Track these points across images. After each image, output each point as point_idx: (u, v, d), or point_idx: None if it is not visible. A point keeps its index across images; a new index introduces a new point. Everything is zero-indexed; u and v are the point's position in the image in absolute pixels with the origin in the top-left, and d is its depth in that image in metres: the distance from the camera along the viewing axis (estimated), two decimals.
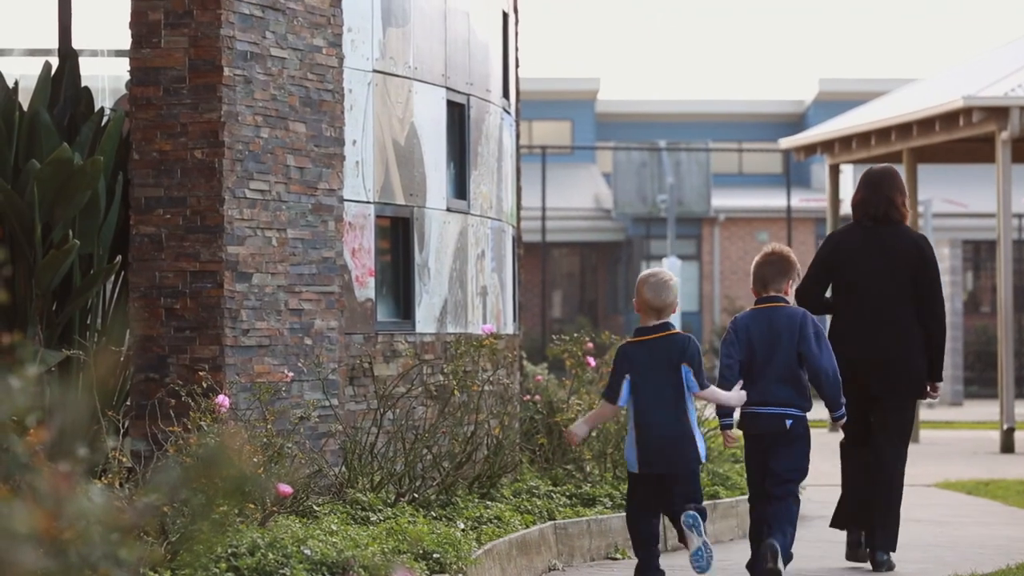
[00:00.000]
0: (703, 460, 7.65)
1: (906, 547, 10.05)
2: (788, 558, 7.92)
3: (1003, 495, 12.90)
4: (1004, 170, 17.90)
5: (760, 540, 7.94)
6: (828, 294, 8.91)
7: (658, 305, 7.64)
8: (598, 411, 7.96)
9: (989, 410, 23.96)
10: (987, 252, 35.19)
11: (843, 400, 8.05)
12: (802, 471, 8.00)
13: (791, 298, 8.04)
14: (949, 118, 18.40)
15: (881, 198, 8.66)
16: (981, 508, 12.25)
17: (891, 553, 8.62)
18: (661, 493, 7.55)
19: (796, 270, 8.08)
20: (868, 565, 8.77)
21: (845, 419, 8.17)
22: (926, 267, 8.64)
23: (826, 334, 8.11)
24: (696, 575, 7.57)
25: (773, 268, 8.00)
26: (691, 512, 7.46)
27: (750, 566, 8.07)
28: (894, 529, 8.60)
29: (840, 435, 9.08)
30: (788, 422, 7.86)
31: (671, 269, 26.44)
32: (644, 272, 7.80)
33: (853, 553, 8.88)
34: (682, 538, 7.59)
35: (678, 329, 7.81)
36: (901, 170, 21.30)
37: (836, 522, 8.96)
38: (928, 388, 8.73)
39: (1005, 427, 17.79)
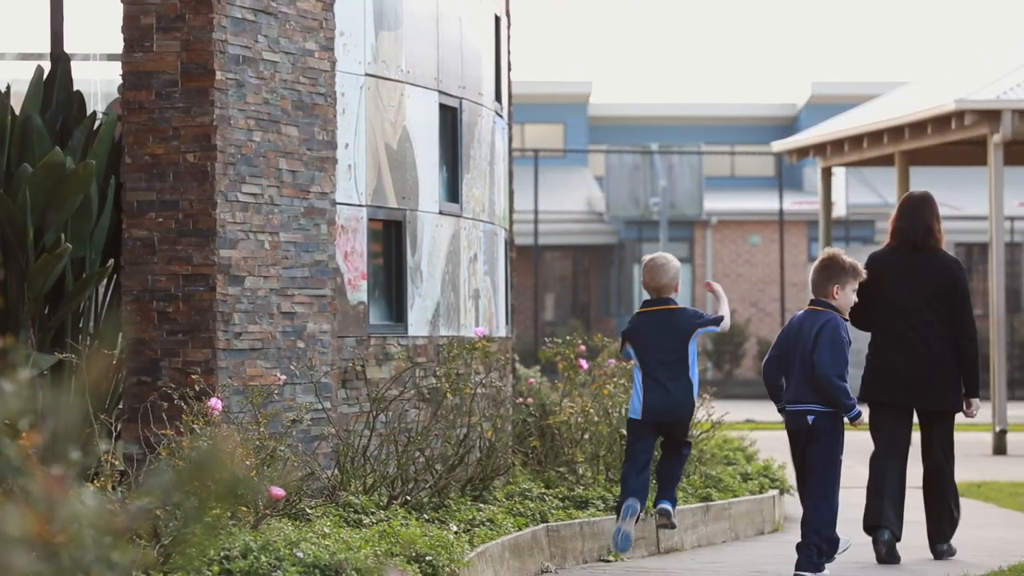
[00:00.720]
0: (695, 404, 8.73)
1: (899, 548, 10.06)
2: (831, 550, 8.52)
3: (996, 497, 12.91)
4: (996, 173, 17.93)
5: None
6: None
7: (654, 285, 8.63)
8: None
9: (982, 412, 23.97)
10: (979, 255, 35.23)
11: (852, 402, 8.36)
12: (830, 465, 8.38)
13: (838, 301, 8.48)
14: (941, 121, 18.43)
15: (920, 226, 9.28)
16: (974, 510, 12.26)
17: (949, 542, 9.43)
18: (659, 434, 8.70)
19: (846, 274, 8.50)
20: (886, 562, 9.23)
21: (860, 417, 8.46)
22: (959, 291, 9.24)
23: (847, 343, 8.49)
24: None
25: (819, 274, 8.52)
26: (664, 504, 8.65)
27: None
28: (950, 521, 9.37)
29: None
30: (810, 418, 8.35)
31: None
32: (646, 256, 8.79)
33: (889, 553, 9.23)
34: (664, 481, 8.71)
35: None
36: (893, 173, 21.35)
37: (868, 521, 9.32)
38: (965, 405, 9.33)
39: (997, 429, 17.80)
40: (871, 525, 9.23)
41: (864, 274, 8.59)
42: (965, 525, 11.27)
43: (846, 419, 8.37)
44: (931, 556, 9.53)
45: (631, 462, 8.56)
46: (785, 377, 8.46)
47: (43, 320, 8.69)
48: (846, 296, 8.46)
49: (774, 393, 8.53)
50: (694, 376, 8.57)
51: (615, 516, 8.63)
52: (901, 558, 9.21)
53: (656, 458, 8.88)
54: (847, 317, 8.64)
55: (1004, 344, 18.02)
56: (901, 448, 9.27)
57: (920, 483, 9.56)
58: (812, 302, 8.53)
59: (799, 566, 8.45)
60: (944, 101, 18.13)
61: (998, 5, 78.09)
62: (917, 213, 9.31)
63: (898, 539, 9.23)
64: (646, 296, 8.74)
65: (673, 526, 8.71)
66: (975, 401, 9.29)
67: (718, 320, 8.57)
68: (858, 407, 8.43)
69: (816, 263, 8.64)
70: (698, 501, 10.27)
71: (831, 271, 8.47)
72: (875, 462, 9.31)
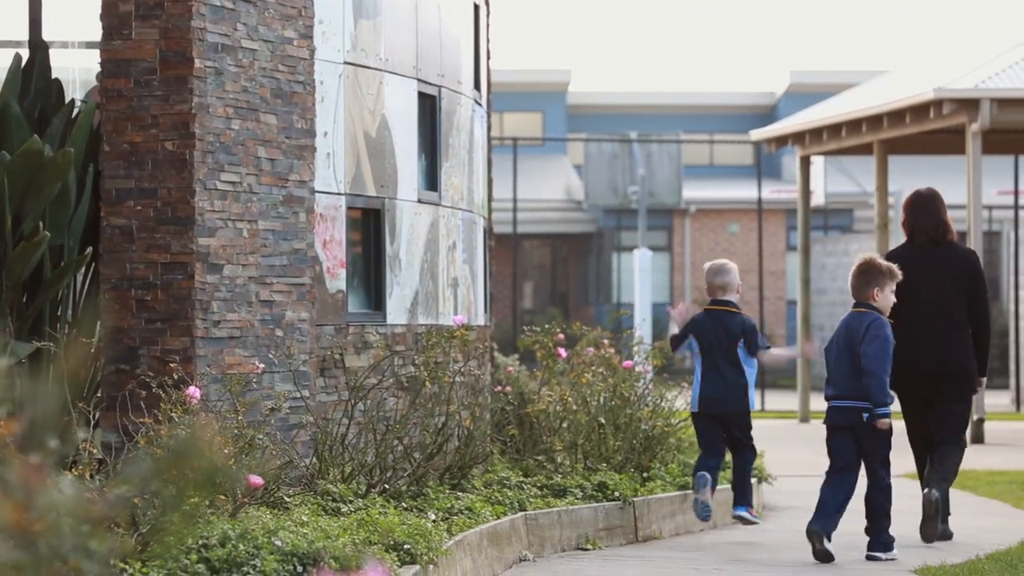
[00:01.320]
0: (752, 407, 9.68)
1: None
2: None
3: (973, 486, 12.95)
4: (974, 162, 17.97)
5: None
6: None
7: (716, 284, 9.84)
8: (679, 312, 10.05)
9: None
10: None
11: (887, 399, 8.83)
12: (887, 453, 8.96)
13: (879, 303, 8.97)
14: (920, 110, 18.46)
15: (937, 221, 9.78)
16: (951, 499, 12.30)
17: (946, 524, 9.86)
18: (718, 427, 9.69)
19: (884, 277, 9.00)
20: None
21: (888, 418, 8.86)
22: (978, 280, 9.77)
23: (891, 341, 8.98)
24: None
25: (858, 279, 9.02)
26: (742, 508, 9.76)
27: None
28: (945, 498, 9.81)
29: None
30: (865, 416, 8.88)
31: (641, 260, 26.47)
32: (707, 264, 9.95)
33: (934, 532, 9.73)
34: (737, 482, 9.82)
35: (733, 310, 9.70)
36: (871, 161, 21.39)
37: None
38: (977, 381, 9.88)
39: (975, 418, 17.86)
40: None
41: (900, 275, 8.99)
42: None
43: (878, 416, 8.79)
44: (896, 547, 9.58)
45: (704, 454, 9.71)
46: (829, 375, 8.93)
47: (21, 308, 8.67)
48: (886, 297, 8.90)
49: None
50: (749, 378, 9.65)
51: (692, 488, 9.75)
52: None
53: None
54: (889, 318, 9.09)
55: None
56: (926, 437, 9.85)
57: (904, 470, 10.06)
58: (855, 305, 8.98)
59: (873, 548, 8.97)
60: (923, 90, 18.16)
61: None
62: (930, 209, 9.77)
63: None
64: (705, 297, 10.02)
65: (756, 521, 9.85)
66: (983, 380, 9.88)
67: (762, 349, 9.68)
68: (889, 409, 8.81)
69: (854, 268, 9.05)
70: (676, 489, 10.29)
71: (869, 275, 8.91)
72: (917, 454, 9.96)
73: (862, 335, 8.77)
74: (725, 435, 9.70)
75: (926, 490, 9.52)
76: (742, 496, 9.79)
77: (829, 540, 8.85)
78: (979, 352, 9.75)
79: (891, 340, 8.83)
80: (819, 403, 25.03)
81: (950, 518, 10.31)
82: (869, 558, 9.02)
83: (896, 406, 9.25)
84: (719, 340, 9.66)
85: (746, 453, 9.71)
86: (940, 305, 9.69)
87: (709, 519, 9.71)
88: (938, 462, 9.61)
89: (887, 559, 8.98)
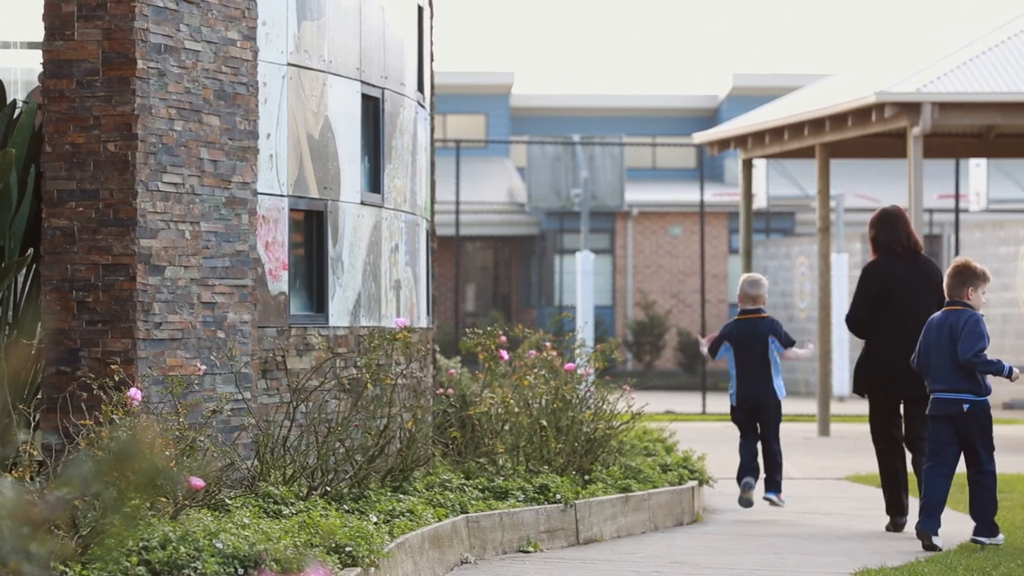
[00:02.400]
0: (781, 397, 11.35)
1: (816, 540, 10.17)
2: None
3: (913, 488, 13.04)
4: (915, 165, 18.11)
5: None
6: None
7: (752, 294, 11.38)
8: (707, 341, 11.54)
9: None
10: None
11: (1000, 365, 9.41)
12: (991, 443, 9.50)
13: (972, 301, 9.61)
14: (861, 113, 18.59)
15: (906, 235, 10.56)
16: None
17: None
18: (753, 419, 11.36)
19: (978, 279, 9.61)
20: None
21: (1013, 372, 9.48)
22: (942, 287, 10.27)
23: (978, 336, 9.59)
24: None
25: (954, 279, 9.63)
26: (771, 493, 11.34)
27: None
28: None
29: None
30: (966, 406, 9.45)
31: (584, 263, 26.53)
32: (744, 275, 11.50)
33: (900, 525, 10.54)
34: (767, 469, 11.41)
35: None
36: (813, 165, 21.53)
37: (890, 509, 10.65)
38: None
39: None
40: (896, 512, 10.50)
41: (991, 278, 9.69)
42: (883, 517, 11.40)
43: (1006, 378, 9.44)
44: (836, 549, 9.64)
45: (744, 442, 11.36)
46: (927, 370, 9.54)
47: None
48: (978, 297, 9.60)
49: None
50: (776, 376, 11.20)
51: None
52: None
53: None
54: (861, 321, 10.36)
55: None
56: (899, 439, 10.57)
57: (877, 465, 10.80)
58: (949, 303, 9.62)
59: (978, 532, 9.41)
60: (865, 93, 18.29)
61: None
62: (898, 224, 10.56)
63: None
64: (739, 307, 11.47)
65: (780, 504, 11.29)
66: None
67: (789, 343, 11.20)
68: (1008, 365, 9.45)
69: (950, 270, 9.69)
70: (617, 492, 10.34)
71: (964, 276, 9.62)
72: (880, 451, 10.62)
73: (960, 329, 9.41)
74: (758, 425, 11.34)
75: (892, 521, 10.41)
76: (772, 483, 11.33)
77: (937, 536, 9.48)
78: None
79: (987, 334, 9.46)
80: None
81: (886, 521, 10.53)
82: (974, 542, 9.39)
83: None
84: (753, 343, 11.20)
85: (775, 445, 11.36)
86: (917, 311, 10.30)
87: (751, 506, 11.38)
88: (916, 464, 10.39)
89: (991, 543, 9.36)
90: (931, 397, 9.54)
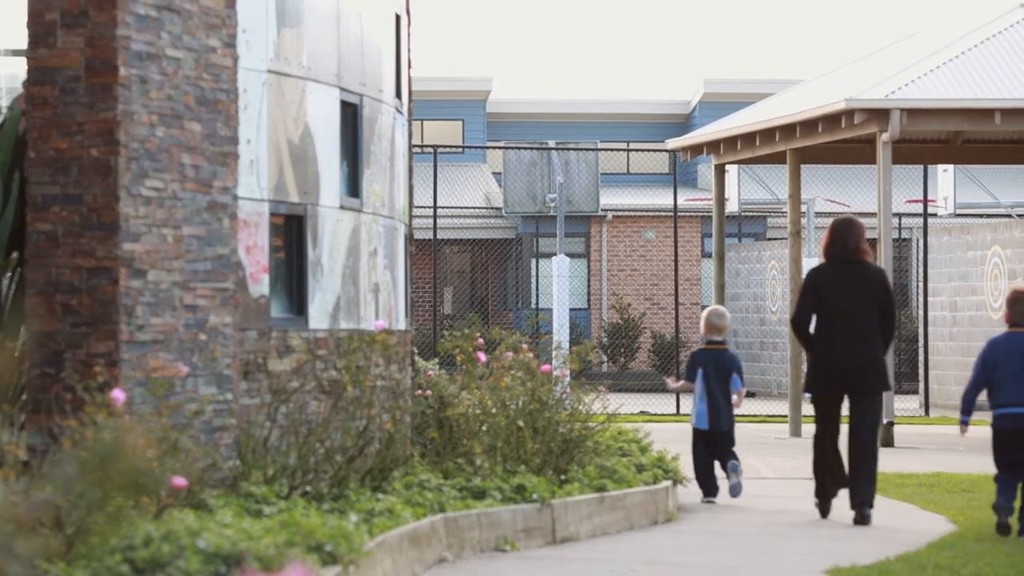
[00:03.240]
0: (733, 424, 12.29)
1: (788, 539, 10.32)
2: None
3: (882, 488, 13.18)
4: (884, 171, 18.29)
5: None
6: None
7: (719, 325, 12.41)
8: (680, 386, 12.75)
9: None
10: None
11: None
12: None
13: None
14: (832, 119, 18.75)
15: (851, 243, 11.15)
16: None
17: (871, 508, 11.01)
18: (715, 443, 12.22)
19: None
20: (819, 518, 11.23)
21: None
22: (887, 294, 11.15)
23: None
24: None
25: (1018, 305, 10.43)
26: (733, 461, 12.16)
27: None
28: (873, 489, 11.03)
29: None
30: None
31: (560, 267, 26.66)
32: (708, 309, 12.54)
33: (825, 509, 11.25)
34: (727, 474, 12.18)
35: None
36: (784, 170, 21.70)
37: (819, 494, 11.28)
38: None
39: (885, 421, 18.16)
40: (822, 493, 11.18)
41: None
42: (852, 515, 11.55)
43: None
44: (807, 548, 9.78)
45: (699, 465, 12.26)
46: (995, 387, 10.27)
47: None
48: None
49: (970, 406, 10.32)
50: (732, 401, 12.21)
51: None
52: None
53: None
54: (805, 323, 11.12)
55: None
56: (837, 432, 11.18)
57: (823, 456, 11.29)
58: (1012, 324, 10.44)
59: None
60: (834, 100, 18.45)
61: (889, 4, 79.07)
62: (847, 234, 11.16)
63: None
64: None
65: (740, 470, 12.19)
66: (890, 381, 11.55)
67: (742, 382, 12.29)
68: None
69: (1011, 294, 10.52)
70: (593, 492, 10.46)
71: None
72: (818, 444, 11.18)
73: None
74: (717, 446, 12.21)
75: (865, 510, 10.85)
76: (734, 473, 12.17)
77: (1011, 514, 10.08)
78: (883, 352, 11.18)
79: None
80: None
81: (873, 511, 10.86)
82: None
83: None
84: (718, 372, 12.17)
85: (731, 461, 12.26)
86: (857, 314, 11.00)
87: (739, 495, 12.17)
88: (859, 458, 10.95)
89: None
90: (999, 412, 10.24)
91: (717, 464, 12.34)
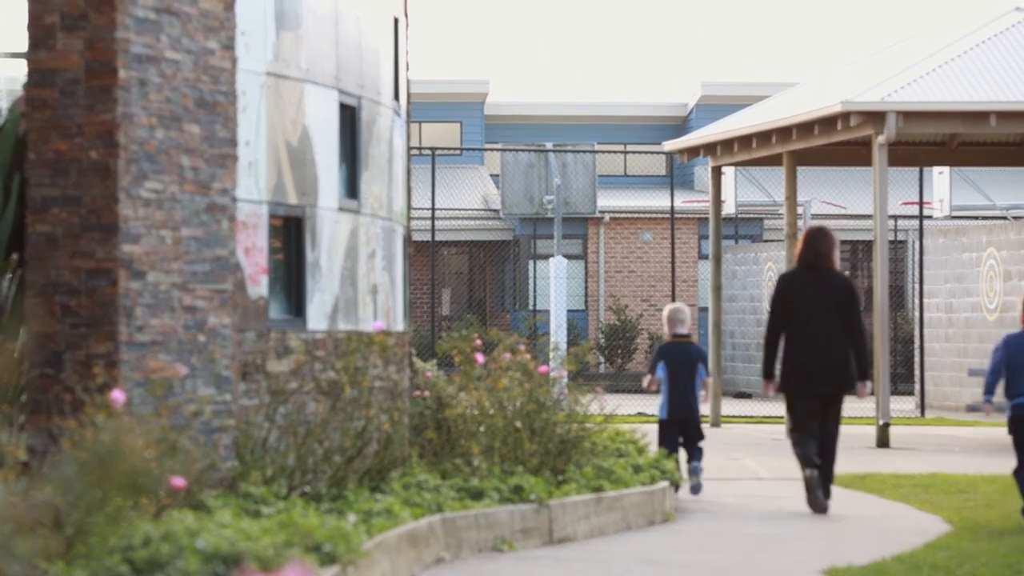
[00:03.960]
0: (697, 414, 12.55)
1: (784, 539, 10.36)
2: None
3: (879, 488, 13.24)
4: (881, 173, 18.33)
5: None
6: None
7: (681, 319, 12.67)
8: (646, 382, 12.71)
9: (865, 406, 24.45)
10: (864, 252, 35.81)
11: None
12: None
13: None
14: (828, 122, 18.79)
15: (820, 251, 11.84)
16: (857, 501, 12.58)
17: (829, 498, 11.76)
18: (681, 431, 12.53)
19: None
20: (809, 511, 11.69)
21: None
22: (853, 299, 11.79)
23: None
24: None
25: None
26: (696, 464, 12.45)
27: None
28: (831, 483, 11.84)
29: None
30: None
31: (557, 268, 26.70)
32: (668, 306, 12.76)
33: (815, 502, 11.68)
34: (688, 472, 12.46)
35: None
36: (781, 172, 21.75)
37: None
38: (859, 387, 11.86)
39: (881, 422, 18.21)
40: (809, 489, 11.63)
41: None
42: (849, 516, 11.60)
43: None
44: (803, 548, 9.81)
45: (670, 452, 12.36)
46: (1013, 381, 10.85)
47: None
48: None
49: (991, 387, 10.95)
50: (698, 391, 12.48)
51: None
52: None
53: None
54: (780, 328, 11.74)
55: (887, 340, 18.42)
56: (816, 427, 11.69)
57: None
58: None
59: None
60: (831, 102, 18.49)
61: (885, 7, 79.12)
62: (819, 242, 11.84)
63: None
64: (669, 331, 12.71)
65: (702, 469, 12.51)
66: (868, 384, 11.87)
67: (707, 372, 12.58)
68: None
69: None
70: (590, 492, 10.49)
71: None
72: (797, 438, 11.70)
73: None
74: (681, 435, 12.56)
75: (808, 470, 11.52)
76: (698, 459, 12.56)
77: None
78: (860, 359, 11.73)
79: None
80: (730, 408, 25.20)
81: (855, 520, 10.71)
82: None
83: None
84: (684, 364, 12.47)
85: (699, 443, 12.56)
86: (823, 318, 11.69)
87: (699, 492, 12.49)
88: (828, 450, 11.72)
89: None
90: (1016, 403, 10.88)
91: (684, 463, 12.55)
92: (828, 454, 11.70)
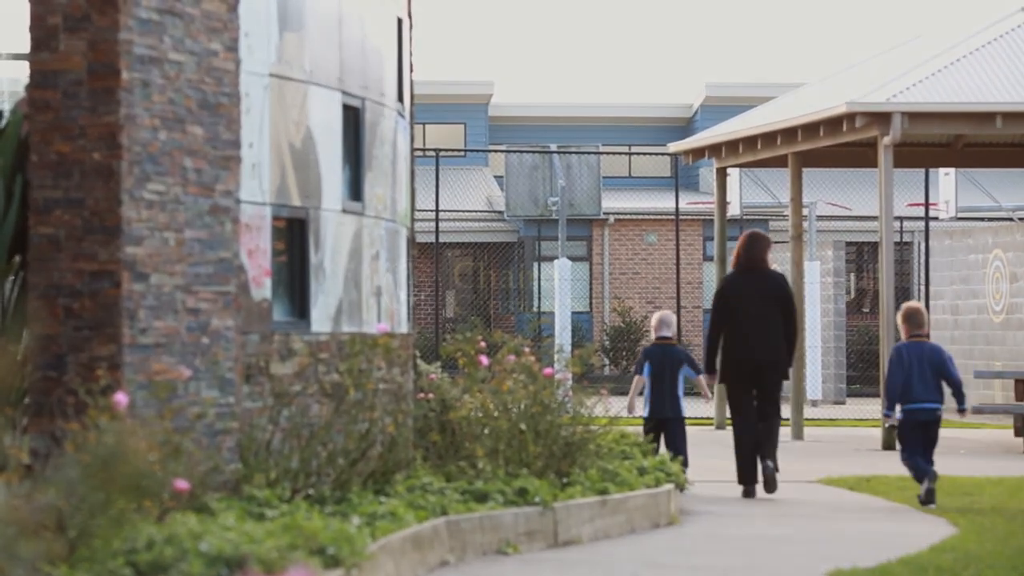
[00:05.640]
0: (683, 414, 13.56)
1: (789, 541, 10.34)
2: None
3: (884, 491, 13.22)
4: (886, 174, 18.31)
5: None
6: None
7: (668, 321, 13.71)
8: (634, 384, 13.56)
9: (871, 408, 24.43)
10: (869, 254, 35.78)
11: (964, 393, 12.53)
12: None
13: (926, 330, 12.51)
14: (833, 123, 18.77)
15: (755, 256, 13.07)
16: (862, 503, 12.57)
17: (776, 466, 12.79)
18: (663, 429, 13.47)
19: (922, 319, 12.46)
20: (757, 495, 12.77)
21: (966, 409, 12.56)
22: (788, 296, 13.04)
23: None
24: None
25: (918, 319, 12.45)
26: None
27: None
28: (775, 454, 12.82)
29: None
30: (937, 413, 12.35)
31: (561, 270, 26.68)
32: (657, 313, 13.88)
33: (751, 492, 12.77)
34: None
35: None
36: (786, 174, 21.73)
37: (742, 479, 12.88)
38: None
39: (887, 425, 18.18)
40: (746, 477, 12.77)
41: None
42: (854, 518, 11.58)
43: (961, 408, 12.73)
44: (809, 551, 9.78)
45: (655, 448, 13.05)
46: (907, 388, 12.31)
47: None
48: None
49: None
50: (681, 395, 13.45)
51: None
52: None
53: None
54: (722, 324, 13.04)
55: (893, 341, 18.38)
56: (753, 415, 12.83)
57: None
58: (915, 335, 12.41)
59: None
60: (836, 104, 18.47)
61: (890, 8, 79.13)
62: (755, 246, 13.09)
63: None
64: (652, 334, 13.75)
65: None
66: (789, 370, 13.13)
67: (696, 370, 13.51)
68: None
69: (908, 312, 12.45)
70: (595, 495, 10.48)
71: (919, 318, 12.36)
72: (739, 427, 12.84)
73: (942, 356, 12.50)
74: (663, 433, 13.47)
75: (767, 462, 12.55)
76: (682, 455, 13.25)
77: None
78: (789, 349, 12.97)
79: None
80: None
81: (860, 522, 10.71)
82: None
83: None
84: (667, 366, 13.38)
85: (682, 447, 13.48)
86: (762, 314, 12.84)
87: None
88: (767, 434, 12.72)
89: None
90: (910, 407, 12.15)
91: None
92: (773, 437, 12.78)
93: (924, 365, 12.34)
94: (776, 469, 12.71)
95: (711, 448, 16.35)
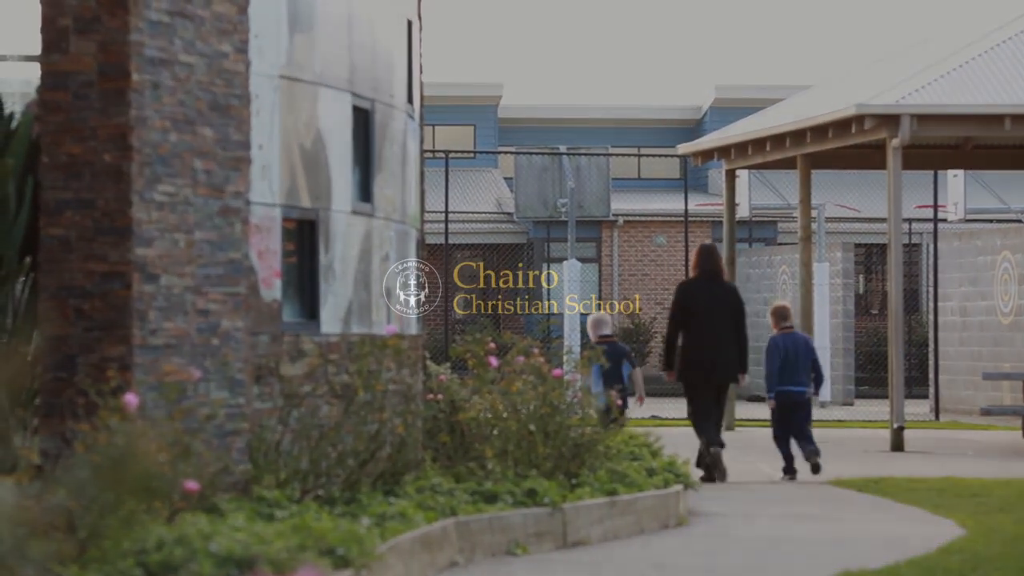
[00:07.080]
0: (626, 408, 14.62)
1: (797, 543, 10.35)
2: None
3: (893, 492, 13.22)
4: (895, 176, 18.30)
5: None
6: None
7: (606, 320, 14.95)
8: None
9: (880, 409, 24.41)
10: (878, 255, 35.75)
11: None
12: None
13: (792, 323, 14.77)
14: (842, 125, 18.77)
15: (715, 264, 14.41)
16: (872, 505, 12.57)
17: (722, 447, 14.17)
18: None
19: (788, 313, 14.65)
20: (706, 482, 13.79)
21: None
22: (741, 307, 14.38)
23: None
24: None
25: (780, 316, 14.57)
26: None
27: None
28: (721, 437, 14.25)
29: None
30: (807, 395, 14.41)
31: (571, 271, 26.70)
32: (591, 315, 15.10)
33: (722, 473, 14.04)
34: None
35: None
36: (795, 175, 21.74)
37: (700, 464, 14.13)
38: (740, 377, 14.42)
39: (895, 426, 18.17)
40: (707, 464, 14.03)
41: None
42: (862, 519, 11.59)
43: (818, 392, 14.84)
44: (817, 552, 9.78)
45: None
46: (790, 372, 14.48)
47: None
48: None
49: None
50: (625, 383, 14.56)
51: None
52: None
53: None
54: (681, 327, 14.44)
55: (901, 343, 18.39)
56: (714, 412, 14.19)
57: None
58: (785, 327, 14.76)
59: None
60: (845, 106, 18.47)
61: (898, 10, 79.07)
62: (712, 256, 14.39)
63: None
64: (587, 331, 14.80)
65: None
66: (745, 376, 14.37)
67: (632, 364, 14.73)
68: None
69: (780, 309, 14.77)
70: (604, 496, 10.49)
71: (785, 312, 14.57)
72: (698, 424, 14.16)
73: (809, 345, 14.51)
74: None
75: (714, 448, 13.88)
76: None
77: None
78: (741, 354, 14.21)
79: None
80: (744, 411, 25.20)
81: (869, 524, 10.56)
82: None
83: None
84: (613, 362, 14.09)
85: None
86: (717, 320, 14.12)
87: None
88: (716, 426, 14.12)
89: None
90: (786, 390, 14.38)
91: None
92: (720, 424, 14.23)
93: (799, 352, 14.39)
94: (722, 445, 14.07)
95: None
